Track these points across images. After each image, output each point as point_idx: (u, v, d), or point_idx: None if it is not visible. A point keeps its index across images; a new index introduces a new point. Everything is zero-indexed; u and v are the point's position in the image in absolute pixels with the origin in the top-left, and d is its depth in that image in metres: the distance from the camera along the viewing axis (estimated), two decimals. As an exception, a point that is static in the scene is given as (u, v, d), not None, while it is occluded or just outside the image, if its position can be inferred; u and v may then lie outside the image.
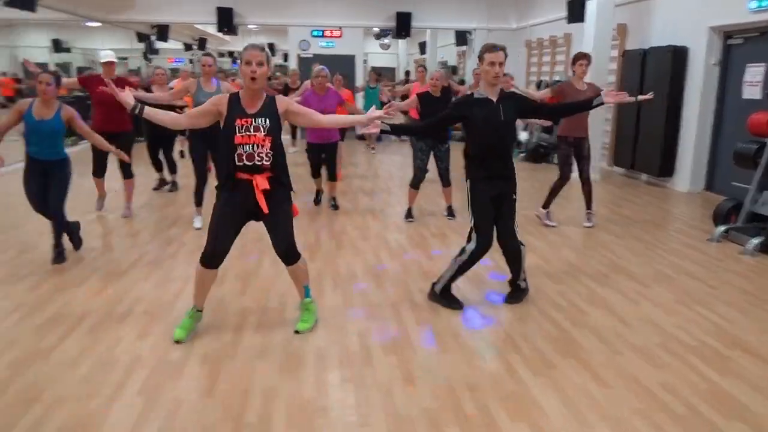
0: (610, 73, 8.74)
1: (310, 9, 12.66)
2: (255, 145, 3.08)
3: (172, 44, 18.07)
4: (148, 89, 6.85)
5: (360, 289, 4.13)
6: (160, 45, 16.75)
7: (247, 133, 3.08)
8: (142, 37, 16.11)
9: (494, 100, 3.60)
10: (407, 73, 19.76)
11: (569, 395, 2.77)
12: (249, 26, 15.19)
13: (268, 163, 3.13)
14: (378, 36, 19.21)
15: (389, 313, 3.70)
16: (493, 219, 3.71)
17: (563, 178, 5.78)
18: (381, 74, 18.56)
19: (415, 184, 5.95)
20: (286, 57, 17.10)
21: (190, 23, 15.80)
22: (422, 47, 18.23)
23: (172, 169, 7.37)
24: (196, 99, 5.22)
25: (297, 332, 3.38)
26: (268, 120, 3.11)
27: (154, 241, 5.19)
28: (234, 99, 3.15)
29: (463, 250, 3.73)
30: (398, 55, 23.37)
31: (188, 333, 3.29)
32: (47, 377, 2.87)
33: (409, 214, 6.04)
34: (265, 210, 3.15)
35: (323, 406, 2.67)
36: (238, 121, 3.08)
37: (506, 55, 3.54)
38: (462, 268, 3.75)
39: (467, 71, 14.15)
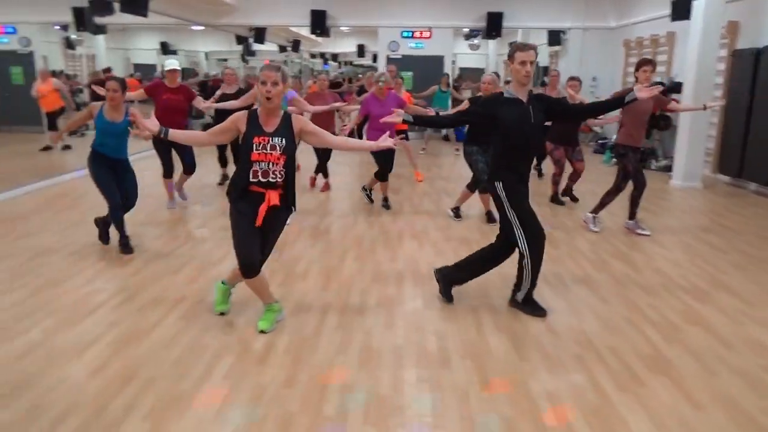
0: (718, 75, 8.14)
1: (401, 10, 12.74)
2: (270, 163, 3.19)
3: (268, 46, 18.81)
4: (216, 87, 7.41)
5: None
6: (256, 47, 17.48)
7: (264, 151, 3.18)
8: (240, 40, 16.89)
9: (524, 100, 3.50)
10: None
11: (659, 415, 2.61)
12: (341, 28, 15.53)
13: (281, 180, 3.25)
14: (467, 36, 19.01)
15: (469, 316, 3.65)
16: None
17: (640, 186, 5.53)
18: (461, 76, 18.31)
19: (475, 186, 5.90)
20: (375, 58, 17.30)
21: (286, 26, 16.37)
22: (513, 48, 17.83)
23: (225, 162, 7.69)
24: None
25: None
26: (284, 140, 3.21)
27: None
28: (252, 116, 3.25)
29: (521, 255, 3.61)
30: (488, 55, 23.02)
31: (271, 324, 3.42)
32: (143, 357, 3.07)
33: (457, 213, 6.08)
34: (259, 223, 3.25)
35: (399, 405, 2.68)
36: (255, 139, 3.18)
37: (537, 54, 3.48)
38: (535, 270, 3.62)
39: (560, 72, 13.70)
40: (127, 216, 4.91)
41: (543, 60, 16.32)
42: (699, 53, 7.65)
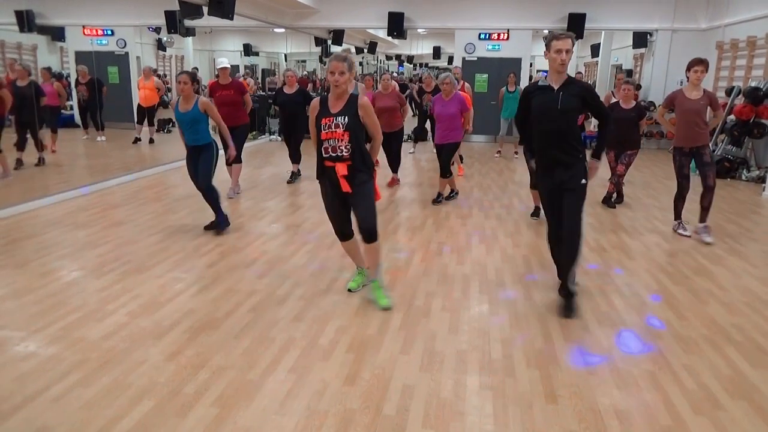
0: (823, 79, 7.52)
1: (479, 12, 12.60)
2: (336, 140, 3.55)
3: (346, 47, 19.13)
4: (281, 90, 7.82)
5: (508, 297, 4.03)
6: (334, 48, 17.83)
7: (329, 129, 3.56)
8: (318, 42, 17.29)
9: (555, 87, 3.60)
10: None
11: (738, 442, 2.45)
12: (418, 30, 15.56)
13: (348, 154, 3.57)
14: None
15: (536, 326, 3.56)
16: (554, 206, 3.73)
17: (681, 189, 5.52)
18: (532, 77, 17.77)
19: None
20: (450, 60, 17.21)
21: (364, 28, 16.59)
22: (594, 49, 17.24)
23: (296, 159, 8.01)
24: None
25: (386, 309, 3.73)
26: (346, 118, 3.54)
27: (316, 230, 5.55)
28: (323, 101, 3.64)
29: None
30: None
31: (359, 285, 4.02)
32: (215, 346, 3.21)
33: (536, 213, 6.18)
34: (346, 189, 3.62)
35: (460, 411, 2.66)
36: (323, 121, 3.58)
37: (574, 43, 3.55)
38: (559, 265, 3.89)
39: (644, 75, 13.11)
40: (204, 209, 5.17)
41: (627, 63, 15.68)
42: (802, 56, 7.09)
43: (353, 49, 21.43)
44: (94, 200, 6.68)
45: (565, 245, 3.69)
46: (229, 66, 6.84)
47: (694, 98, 5.29)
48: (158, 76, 15.09)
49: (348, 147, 3.55)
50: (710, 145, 9.13)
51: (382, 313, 3.69)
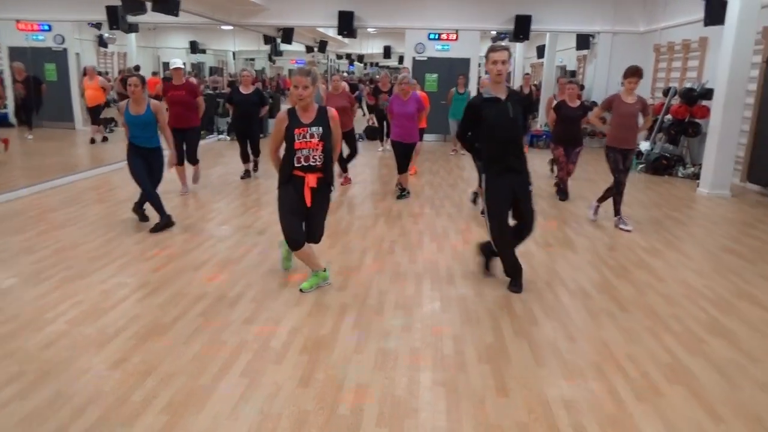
0: (751, 81, 7.96)
1: (428, 12, 12.73)
2: (311, 149, 3.71)
3: (295, 46, 18.94)
4: (236, 89, 7.86)
5: (459, 293, 4.09)
6: (284, 47, 17.63)
7: (304, 139, 3.69)
8: (268, 40, 17.05)
9: (503, 98, 3.82)
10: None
11: (676, 427, 2.57)
12: (368, 29, 15.56)
13: (320, 163, 3.75)
14: (495, 39, 18.91)
15: (486, 321, 3.63)
16: (507, 207, 3.99)
17: (618, 185, 5.85)
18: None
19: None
20: (401, 59, 17.31)
21: (313, 26, 16.48)
22: (540, 51, 17.69)
23: (256, 153, 8.12)
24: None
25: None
26: (321, 128, 3.72)
27: (267, 231, 5.47)
28: (292, 113, 3.75)
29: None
30: (514, 58, 22.85)
31: (312, 286, 4.00)
32: (163, 352, 3.13)
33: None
34: (309, 204, 3.80)
35: (414, 408, 2.68)
36: (296, 131, 3.70)
37: (510, 55, 3.83)
38: (504, 262, 4.13)
39: (587, 76, 13.54)
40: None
41: (571, 64, 16.16)
42: (732, 59, 7.47)
43: (303, 48, 21.25)
44: (30, 203, 6.38)
45: (526, 225, 4.05)
46: (182, 66, 6.89)
47: (630, 102, 5.71)
48: (99, 73, 14.59)
49: (321, 156, 3.73)
50: (649, 144, 9.51)
51: (336, 313, 3.68)
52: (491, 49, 3.80)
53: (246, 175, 8.08)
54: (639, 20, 12.42)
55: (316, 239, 4.03)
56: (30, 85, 10.74)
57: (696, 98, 9.27)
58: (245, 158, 8.08)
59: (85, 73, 11.55)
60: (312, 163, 3.73)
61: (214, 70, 19.82)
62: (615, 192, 5.91)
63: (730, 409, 2.72)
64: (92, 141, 11.19)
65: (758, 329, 3.63)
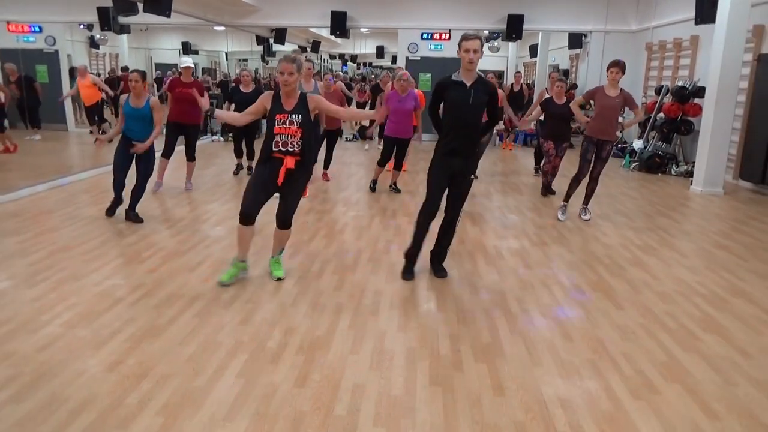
0: (742, 79, 8.01)
1: (421, 12, 12.74)
2: (289, 135, 3.82)
3: (288, 47, 18.92)
4: (237, 89, 8.05)
5: (455, 292, 4.09)
6: (276, 47, 17.60)
7: (283, 125, 3.81)
8: (260, 40, 17.02)
9: (468, 84, 3.91)
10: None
11: (672, 424, 2.58)
12: (361, 29, 15.56)
13: (298, 149, 3.85)
14: (487, 38, 18.95)
15: (482, 320, 3.64)
16: (444, 189, 4.09)
17: (579, 174, 5.98)
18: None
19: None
20: (394, 59, 17.32)
21: (306, 27, 16.46)
22: (533, 50, 17.75)
23: (251, 156, 8.23)
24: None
25: (279, 279, 4.10)
26: (300, 116, 3.82)
27: (261, 232, 5.45)
28: (275, 97, 3.88)
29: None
30: (507, 57, 22.91)
31: (231, 277, 4.04)
32: (158, 353, 3.12)
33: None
34: (280, 181, 3.85)
35: (410, 407, 2.68)
36: (277, 116, 3.82)
37: (483, 44, 3.89)
38: (417, 233, 4.22)
39: (580, 75, 13.59)
40: (145, 212, 5.01)
41: (564, 63, 16.22)
42: (723, 57, 7.53)
43: (296, 47, 21.23)
44: (24, 205, 6.34)
45: (449, 220, 4.22)
46: (192, 66, 7.11)
47: (612, 95, 5.77)
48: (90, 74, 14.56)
49: (299, 143, 3.83)
50: (642, 143, 9.55)
51: (332, 313, 3.68)
52: (464, 38, 3.87)
53: (238, 169, 8.36)
54: (631, 19, 12.48)
55: (283, 224, 4.04)
56: (22, 84, 10.71)
57: (688, 97, 9.32)
58: (239, 153, 8.33)
59: (74, 74, 11.62)
60: (290, 149, 3.83)
61: (206, 72, 19.78)
62: (573, 178, 6.03)
63: (724, 406, 2.73)
64: (96, 140, 11.22)
65: (751, 326, 3.66)
